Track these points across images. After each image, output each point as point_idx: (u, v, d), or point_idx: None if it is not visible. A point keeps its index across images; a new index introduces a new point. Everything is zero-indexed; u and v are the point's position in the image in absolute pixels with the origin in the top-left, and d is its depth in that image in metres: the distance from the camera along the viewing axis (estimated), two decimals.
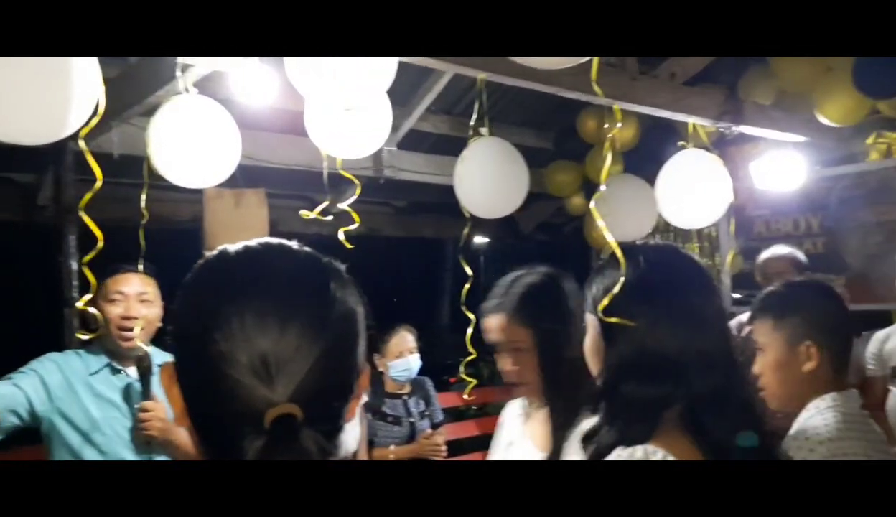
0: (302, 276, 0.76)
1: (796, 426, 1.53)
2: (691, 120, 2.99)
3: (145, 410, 2.17)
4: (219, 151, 2.06)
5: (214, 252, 0.78)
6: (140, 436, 2.17)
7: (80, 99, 1.54)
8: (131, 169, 3.15)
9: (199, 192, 3.45)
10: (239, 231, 3.34)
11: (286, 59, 1.62)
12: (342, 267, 0.81)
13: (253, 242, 0.78)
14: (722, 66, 3.72)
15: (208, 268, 0.77)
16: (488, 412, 5.22)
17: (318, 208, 1.97)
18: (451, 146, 4.45)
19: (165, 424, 2.21)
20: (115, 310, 2.17)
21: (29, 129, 1.53)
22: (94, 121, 1.60)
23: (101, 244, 1.71)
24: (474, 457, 4.26)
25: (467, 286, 2.33)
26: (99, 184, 1.66)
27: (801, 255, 3.23)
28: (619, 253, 1.19)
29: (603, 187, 1.69)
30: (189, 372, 0.74)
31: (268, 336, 0.69)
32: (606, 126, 4.09)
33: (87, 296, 1.91)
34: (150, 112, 2.50)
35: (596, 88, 1.55)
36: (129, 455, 2.19)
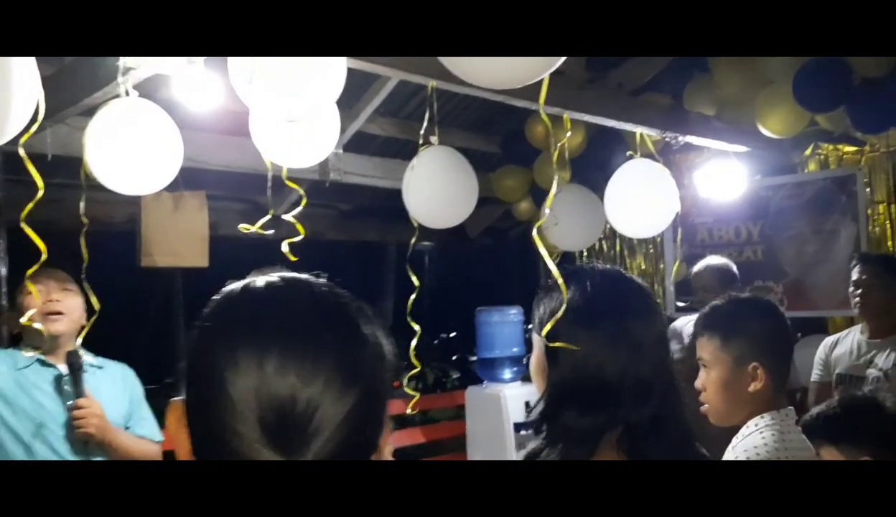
0: (330, 321, 0.70)
1: (736, 442, 1.57)
2: (639, 129, 3.03)
3: (79, 408, 2.10)
4: (159, 157, 1.98)
5: (237, 286, 0.72)
6: (77, 434, 2.11)
7: (18, 103, 1.46)
8: (63, 169, 3.02)
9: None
10: (178, 234, 3.24)
11: (230, 64, 1.56)
12: (364, 304, 0.74)
13: (280, 278, 0.72)
14: (667, 76, 3.77)
15: (229, 304, 0.71)
16: (433, 418, 5.23)
17: (259, 223, 1.91)
18: (398, 149, 4.42)
19: (102, 422, 2.14)
20: (37, 301, 2.10)
21: None
22: (34, 127, 1.52)
23: (44, 257, 1.63)
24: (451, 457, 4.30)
25: (413, 296, 2.30)
26: (41, 193, 1.58)
27: (732, 267, 3.29)
28: (560, 280, 1.19)
29: (548, 211, 1.67)
30: (198, 418, 0.68)
31: (287, 387, 0.63)
32: (553, 137, 4.12)
33: (32, 312, 1.85)
34: (86, 112, 2.40)
35: (542, 111, 1.53)
36: (69, 453, 2.12)
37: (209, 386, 0.65)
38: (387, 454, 0.76)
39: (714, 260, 3.35)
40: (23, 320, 1.98)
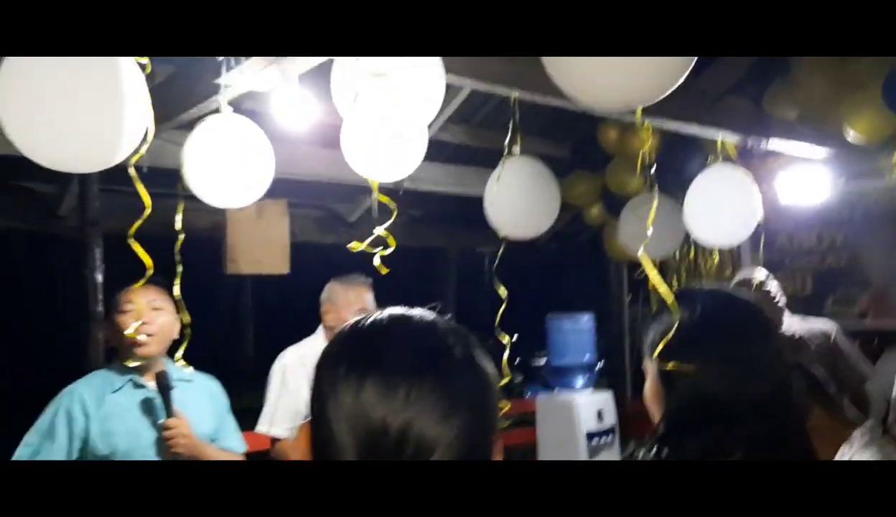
0: (429, 352, 0.74)
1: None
2: (721, 135, 2.97)
3: (168, 428, 2.16)
4: (254, 171, 2.04)
5: (348, 324, 0.79)
6: (167, 453, 2.17)
7: (131, 126, 1.53)
8: (153, 181, 3.14)
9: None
10: (261, 242, 3.33)
11: (333, 84, 1.60)
12: (467, 332, 0.79)
13: (388, 316, 0.78)
14: (747, 81, 3.69)
15: (340, 340, 0.79)
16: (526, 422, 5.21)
17: (367, 241, 1.94)
18: (469, 156, 4.44)
19: (190, 440, 2.20)
20: (127, 320, 2.17)
21: (82, 156, 1.53)
22: (144, 148, 1.59)
23: (150, 272, 1.70)
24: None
25: (502, 309, 2.29)
26: (148, 211, 1.64)
27: (771, 281, 3.15)
28: (670, 301, 1.19)
29: (650, 232, 1.66)
30: (318, 439, 0.74)
31: (379, 413, 0.69)
32: (630, 144, 4.08)
33: (135, 325, 1.91)
34: (178, 126, 2.49)
35: (639, 120, 1.53)
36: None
37: (319, 419, 0.73)
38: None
39: (756, 273, 3.26)
40: (128, 332, 2.05)
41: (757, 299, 3.02)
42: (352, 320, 0.80)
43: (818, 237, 3.97)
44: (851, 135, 3.24)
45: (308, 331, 3.09)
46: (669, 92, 1.42)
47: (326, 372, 0.75)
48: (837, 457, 1.53)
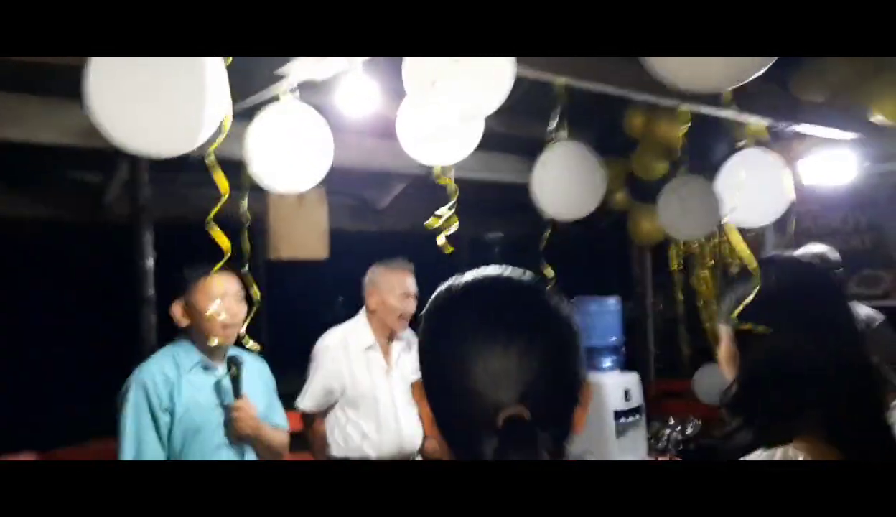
0: (521, 301, 0.86)
1: None
2: (751, 119, 3.03)
3: (238, 409, 2.24)
4: (314, 157, 2.11)
5: (444, 287, 0.90)
6: (234, 434, 2.25)
7: (210, 114, 1.60)
8: (192, 167, 3.21)
9: (259, 190, 3.51)
10: (301, 228, 3.41)
11: (405, 67, 1.67)
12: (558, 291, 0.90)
13: (477, 274, 0.89)
14: (774, 64, 3.74)
15: (440, 303, 0.89)
16: None
17: (443, 219, 2.01)
18: (502, 143, 4.49)
19: (256, 422, 2.28)
20: (222, 312, 2.25)
21: (162, 141, 1.59)
22: (220, 138, 1.65)
23: (228, 254, 1.76)
24: None
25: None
26: (225, 198, 1.71)
27: (834, 254, 3.25)
28: (752, 266, 1.26)
29: (739, 199, 1.71)
30: (434, 390, 0.86)
31: (496, 355, 0.80)
32: (654, 127, 4.14)
33: (217, 303, 1.98)
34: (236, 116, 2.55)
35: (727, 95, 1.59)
36: (223, 452, 2.26)
37: (441, 366, 0.84)
38: (582, 421, 0.86)
39: (815, 247, 3.32)
40: (209, 312, 2.12)
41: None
42: (448, 282, 0.90)
43: (843, 219, 4.03)
44: (878, 117, 3.30)
45: (326, 318, 3.16)
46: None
47: (441, 327, 0.86)
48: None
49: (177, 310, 2.30)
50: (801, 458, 1.11)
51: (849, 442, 1.11)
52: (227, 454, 2.29)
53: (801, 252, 3.31)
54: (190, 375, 2.28)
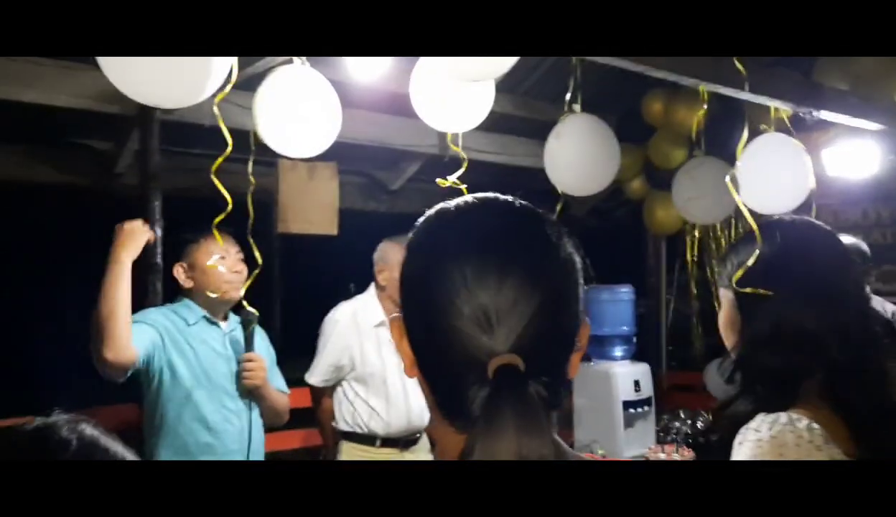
0: (519, 228, 0.76)
1: None
2: (773, 104, 2.97)
3: (250, 361, 2.30)
4: (322, 123, 2.08)
5: (433, 211, 0.80)
6: (244, 384, 2.31)
7: (216, 65, 1.58)
8: (202, 140, 3.20)
9: (269, 163, 3.50)
10: (311, 203, 3.39)
11: None
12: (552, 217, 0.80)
13: (469, 197, 0.79)
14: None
15: (428, 227, 0.79)
16: None
17: (452, 178, 1.98)
18: (514, 125, 4.45)
19: (266, 375, 2.36)
20: (221, 265, 2.29)
21: (168, 93, 1.57)
22: (228, 88, 1.63)
23: (230, 207, 1.75)
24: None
25: None
26: (229, 150, 1.69)
27: (864, 246, 3.19)
28: (755, 227, 1.22)
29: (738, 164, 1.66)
30: (416, 326, 0.76)
31: (488, 288, 0.70)
32: (674, 112, 4.08)
33: (216, 257, 1.98)
34: (240, 85, 2.53)
35: (738, 64, 1.54)
36: (230, 401, 2.32)
37: (425, 295, 0.73)
38: (576, 365, 0.77)
39: (846, 238, 3.24)
40: (209, 263, 2.12)
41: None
42: (437, 207, 0.81)
43: (864, 212, 3.95)
44: None
45: (338, 300, 3.14)
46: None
47: (428, 252, 0.76)
48: None
49: (179, 271, 2.33)
50: (804, 424, 1.07)
51: (851, 409, 1.08)
52: (235, 406, 2.32)
53: None
54: (195, 328, 2.32)
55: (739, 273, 1.19)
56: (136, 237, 2.12)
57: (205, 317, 2.34)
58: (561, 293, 0.74)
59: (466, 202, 0.79)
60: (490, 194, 0.79)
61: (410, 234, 0.80)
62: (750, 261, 1.18)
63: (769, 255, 1.18)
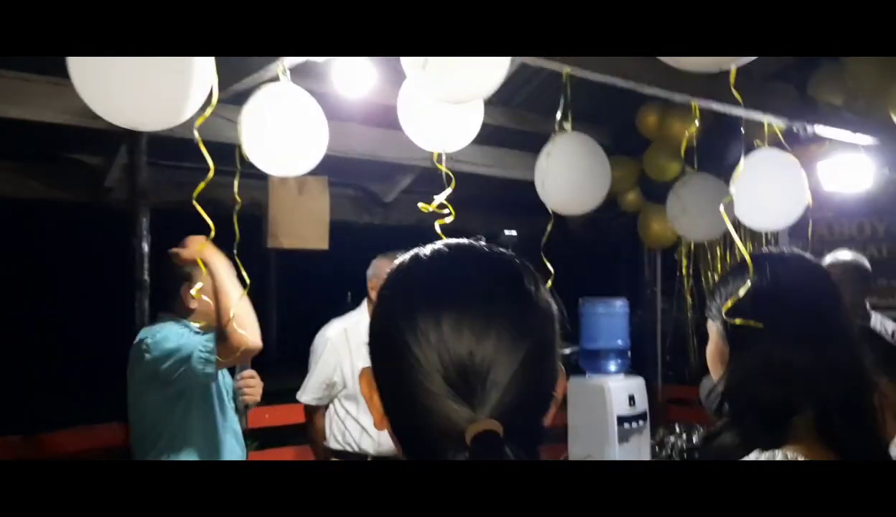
0: (497, 279, 0.72)
1: None
2: (767, 119, 2.95)
3: (253, 376, 2.35)
4: (310, 141, 2.05)
5: (407, 257, 0.76)
6: (241, 401, 2.35)
7: (196, 88, 1.55)
8: (191, 154, 3.17)
9: (259, 177, 3.46)
10: (302, 218, 3.36)
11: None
12: (531, 266, 0.76)
13: (445, 244, 0.76)
14: (792, 66, 3.66)
15: (401, 274, 0.75)
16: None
17: (435, 202, 1.96)
18: (507, 138, 4.43)
19: (261, 391, 2.40)
20: (205, 276, 2.23)
21: (148, 116, 1.55)
22: (209, 111, 1.60)
23: (212, 232, 1.72)
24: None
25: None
26: (211, 174, 1.67)
27: (865, 262, 3.17)
28: (748, 259, 1.20)
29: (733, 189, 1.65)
30: (387, 381, 0.72)
31: (465, 345, 0.66)
32: (669, 126, 4.06)
33: (199, 285, 1.95)
34: (228, 100, 2.51)
35: (735, 93, 1.53)
36: (232, 418, 2.37)
37: (394, 350, 0.69)
38: (551, 418, 0.74)
39: (845, 254, 3.22)
40: (192, 292, 2.09)
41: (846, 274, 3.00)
42: (410, 252, 0.77)
43: (859, 226, 3.93)
44: None
45: (334, 313, 3.12)
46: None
47: (398, 306, 0.71)
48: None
49: (187, 293, 2.29)
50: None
51: (845, 447, 1.06)
52: (233, 422, 2.35)
53: (831, 259, 3.21)
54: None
55: (729, 304, 1.17)
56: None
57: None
58: (541, 347, 0.70)
59: (441, 249, 0.75)
60: (465, 241, 0.76)
61: (385, 280, 0.76)
62: (741, 293, 1.16)
63: (759, 289, 1.16)
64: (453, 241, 0.76)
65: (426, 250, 0.76)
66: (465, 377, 0.65)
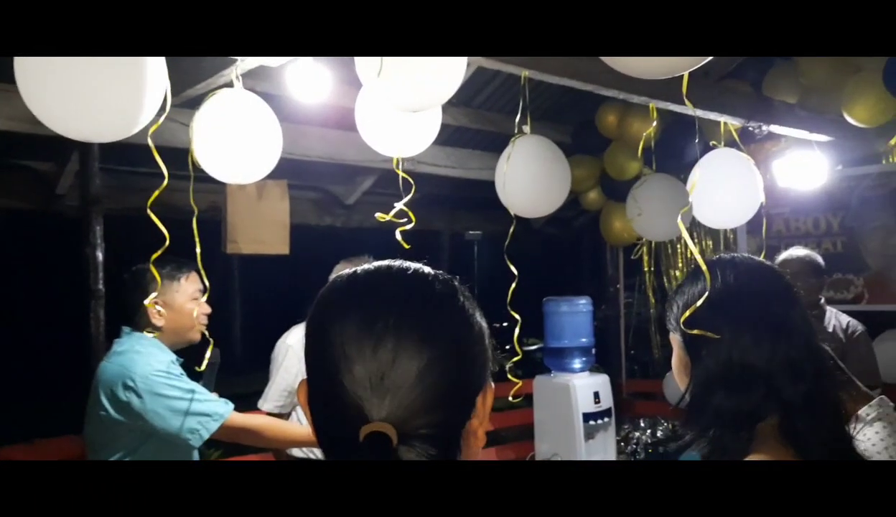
0: (405, 292, 0.76)
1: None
2: (723, 118, 2.98)
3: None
4: (263, 148, 2.02)
5: (336, 276, 0.81)
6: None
7: (149, 97, 1.52)
8: (146, 159, 3.11)
9: (217, 181, 3.40)
10: (262, 222, 3.31)
11: (357, 58, 1.59)
12: (459, 283, 0.80)
13: (371, 265, 0.80)
14: (748, 64, 3.71)
15: (323, 292, 0.80)
16: (496, 408, 5.27)
17: (391, 213, 1.94)
18: (469, 139, 4.43)
19: None
20: (198, 308, 2.22)
21: (101, 126, 1.51)
22: (161, 118, 1.57)
23: (167, 243, 1.68)
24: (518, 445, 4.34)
25: (513, 286, 2.30)
26: (166, 182, 1.63)
27: (818, 258, 3.22)
28: (703, 267, 1.20)
29: (691, 198, 1.66)
30: (311, 390, 0.77)
31: (364, 352, 0.70)
32: (628, 126, 4.09)
33: (153, 295, 1.90)
34: (182, 104, 2.46)
35: (687, 102, 1.53)
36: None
37: (312, 358, 0.75)
38: (480, 436, 0.77)
39: (799, 250, 3.28)
40: (146, 302, 2.01)
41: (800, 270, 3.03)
42: (340, 273, 0.82)
43: (815, 221, 4.00)
44: (851, 119, 3.26)
45: (299, 317, 3.07)
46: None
47: (317, 316, 0.77)
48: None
49: (152, 308, 2.14)
50: None
51: (808, 450, 1.06)
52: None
53: (785, 255, 3.26)
54: (172, 366, 2.18)
55: (686, 315, 1.16)
56: None
57: (174, 359, 2.22)
58: (450, 354, 0.73)
59: (364, 269, 0.79)
60: (393, 262, 0.80)
61: (318, 298, 0.80)
62: (698, 303, 1.16)
63: (713, 295, 1.15)
64: (382, 262, 0.81)
65: (354, 269, 0.80)
66: (364, 382, 0.70)
